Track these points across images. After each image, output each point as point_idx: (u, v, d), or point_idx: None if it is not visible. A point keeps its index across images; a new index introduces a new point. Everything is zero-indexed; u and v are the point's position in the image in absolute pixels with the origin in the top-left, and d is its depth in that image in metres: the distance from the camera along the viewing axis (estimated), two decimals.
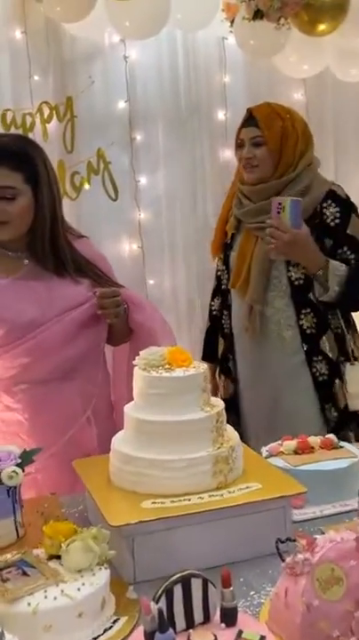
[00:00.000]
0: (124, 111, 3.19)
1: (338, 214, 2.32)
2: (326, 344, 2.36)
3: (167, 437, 1.49)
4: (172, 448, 1.48)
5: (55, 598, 1.18)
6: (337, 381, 2.36)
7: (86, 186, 3.11)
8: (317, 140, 3.45)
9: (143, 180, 3.25)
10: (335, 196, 2.35)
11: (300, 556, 1.15)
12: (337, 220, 2.32)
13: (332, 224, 2.32)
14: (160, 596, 1.03)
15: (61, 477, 1.92)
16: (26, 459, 1.61)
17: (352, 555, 1.16)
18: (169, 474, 1.47)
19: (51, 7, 2.71)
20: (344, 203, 2.35)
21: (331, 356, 2.36)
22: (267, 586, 1.33)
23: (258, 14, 2.76)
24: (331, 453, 1.77)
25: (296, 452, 1.77)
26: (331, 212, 2.32)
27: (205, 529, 1.42)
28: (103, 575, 1.26)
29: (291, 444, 1.80)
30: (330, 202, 2.33)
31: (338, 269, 2.24)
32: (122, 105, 3.19)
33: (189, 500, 1.44)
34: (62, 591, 1.19)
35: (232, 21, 3.01)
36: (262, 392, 2.43)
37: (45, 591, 1.20)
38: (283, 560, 1.19)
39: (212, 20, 3.01)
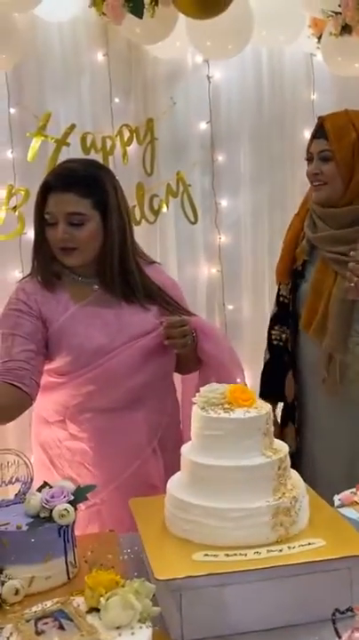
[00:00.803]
0: (206, 132, 3.14)
1: None
2: None
3: (223, 484, 1.39)
4: (229, 496, 1.37)
5: None
6: None
7: (164, 209, 3.06)
8: None
9: (224, 203, 3.17)
10: None
11: (357, 635, 1.02)
12: None
13: None
14: None
15: (125, 511, 1.86)
16: (79, 495, 1.55)
17: None
18: (224, 524, 1.36)
19: (130, 29, 2.70)
20: None
21: None
22: None
23: (345, 29, 2.64)
24: None
25: None
26: None
27: (261, 587, 1.31)
28: (143, 635, 1.16)
29: None
30: None
31: None
32: (203, 126, 3.14)
33: (245, 554, 1.33)
34: None
35: (319, 37, 2.90)
36: (339, 445, 2.12)
37: None
38: (339, 637, 1.06)
39: (299, 37, 2.92)
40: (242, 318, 3.20)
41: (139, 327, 1.97)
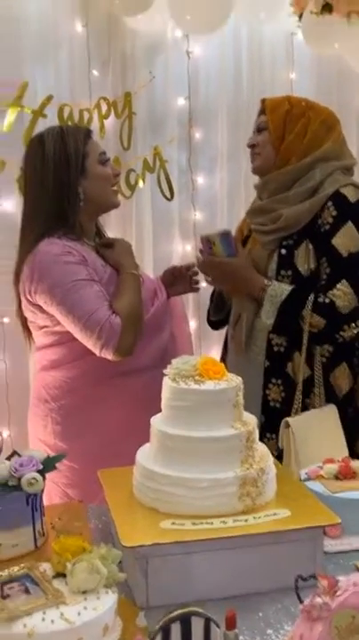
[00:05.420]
0: (184, 108, 3.12)
1: (331, 219, 2.01)
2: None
3: (192, 454, 1.40)
4: (197, 466, 1.39)
5: (53, 622, 1.10)
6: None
7: (141, 184, 3.04)
8: None
9: (200, 180, 3.16)
10: (340, 199, 2.02)
11: (319, 600, 1.04)
12: (327, 227, 2.02)
13: (322, 229, 2.02)
14: (156, 634, 0.94)
15: None
16: (48, 465, 1.55)
17: None
18: (192, 494, 1.38)
19: (110, 0, 2.66)
20: (347, 208, 2.02)
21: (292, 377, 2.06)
22: (286, 624, 1.23)
23: (326, 8, 2.63)
24: None
25: (337, 477, 1.65)
26: (327, 215, 2.02)
27: (226, 556, 1.33)
28: (109, 600, 1.17)
29: (333, 467, 1.68)
30: (330, 204, 2.02)
31: (274, 294, 2.00)
32: (182, 102, 3.12)
33: (211, 523, 1.34)
34: (62, 614, 1.12)
35: (300, 16, 2.89)
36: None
37: (44, 613, 1.12)
38: (301, 601, 1.08)
39: (280, 15, 2.91)
40: None
41: (152, 282, 2.08)
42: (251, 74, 3.21)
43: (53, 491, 1.94)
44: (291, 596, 1.25)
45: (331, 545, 1.48)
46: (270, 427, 2.06)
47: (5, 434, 2.98)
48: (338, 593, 1.05)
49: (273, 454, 1.91)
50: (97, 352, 1.83)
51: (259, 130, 2.15)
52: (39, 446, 1.94)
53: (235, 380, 1.48)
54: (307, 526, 1.35)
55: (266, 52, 3.21)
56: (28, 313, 1.95)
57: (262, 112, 2.16)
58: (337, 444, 1.95)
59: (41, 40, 2.90)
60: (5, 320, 2.87)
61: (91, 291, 1.83)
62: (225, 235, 2.05)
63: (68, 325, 1.85)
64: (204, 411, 1.42)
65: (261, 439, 2.01)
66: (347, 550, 1.48)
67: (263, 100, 2.18)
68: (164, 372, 1.52)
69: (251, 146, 2.17)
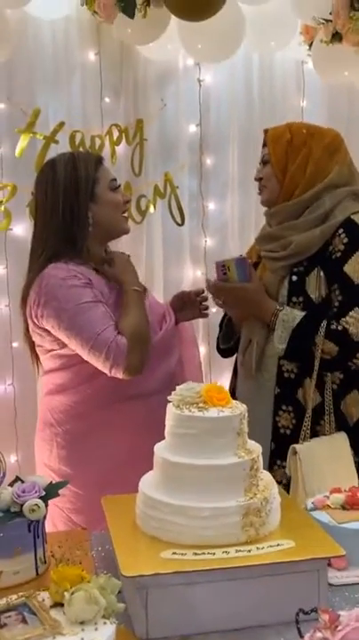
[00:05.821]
0: (195, 135, 3.14)
1: (342, 247, 2.00)
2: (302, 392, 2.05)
3: (195, 483, 1.38)
4: (200, 495, 1.36)
5: None
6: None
7: (151, 209, 3.06)
8: None
9: (211, 206, 3.18)
10: (351, 226, 2.01)
11: (319, 635, 1.02)
12: (338, 254, 2.00)
13: (333, 257, 2.00)
14: None
15: None
16: (51, 491, 1.54)
17: None
18: (193, 523, 1.35)
19: (121, 29, 2.70)
20: (358, 235, 2.01)
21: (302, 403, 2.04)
22: None
23: (336, 37, 2.65)
24: None
25: (343, 507, 1.62)
26: (338, 242, 2.00)
27: (228, 587, 1.30)
28: (106, 631, 1.15)
29: (339, 497, 1.65)
30: (342, 231, 2.00)
31: (286, 320, 1.99)
32: (193, 128, 3.14)
33: (213, 553, 1.32)
34: None
35: (310, 44, 2.91)
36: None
37: None
38: (302, 636, 1.06)
39: (290, 43, 2.93)
40: None
41: (161, 306, 2.09)
42: (262, 101, 3.23)
43: (58, 516, 1.92)
44: (295, 629, 1.23)
45: (336, 577, 1.45)
46: (280, 454, 2.03)
47: (13, 459, 2.98)
48: (339, 628, 1.02)
49: (283, 482, 1.89)
50: (107, 372, 1.84)
51: (263, 162, 2.15)
52: (45, 471, 1.93)
53: (239, 408, 1.46)
54: (311, 558, 1.32)
55: (276, 80, 3.23)
56: (36, 336, 1.96)
57: (265, 143, 2.15)
58: (347, 473, 1.92)
59: (54, 67, 2.95)
60: (14, 344, 2.88)
61: (97, 312, 1.84)
62: (240, 261, 2.06)
63: (77, 348, 1.85)
64: (207, 438, 1.40)
65: (271, 466, 2.02)
66: (354, 583, 1.45)
67: (266, 131, 2.17)
68: (169, 398, 1.51)
69: (258, 179, 2.17)
